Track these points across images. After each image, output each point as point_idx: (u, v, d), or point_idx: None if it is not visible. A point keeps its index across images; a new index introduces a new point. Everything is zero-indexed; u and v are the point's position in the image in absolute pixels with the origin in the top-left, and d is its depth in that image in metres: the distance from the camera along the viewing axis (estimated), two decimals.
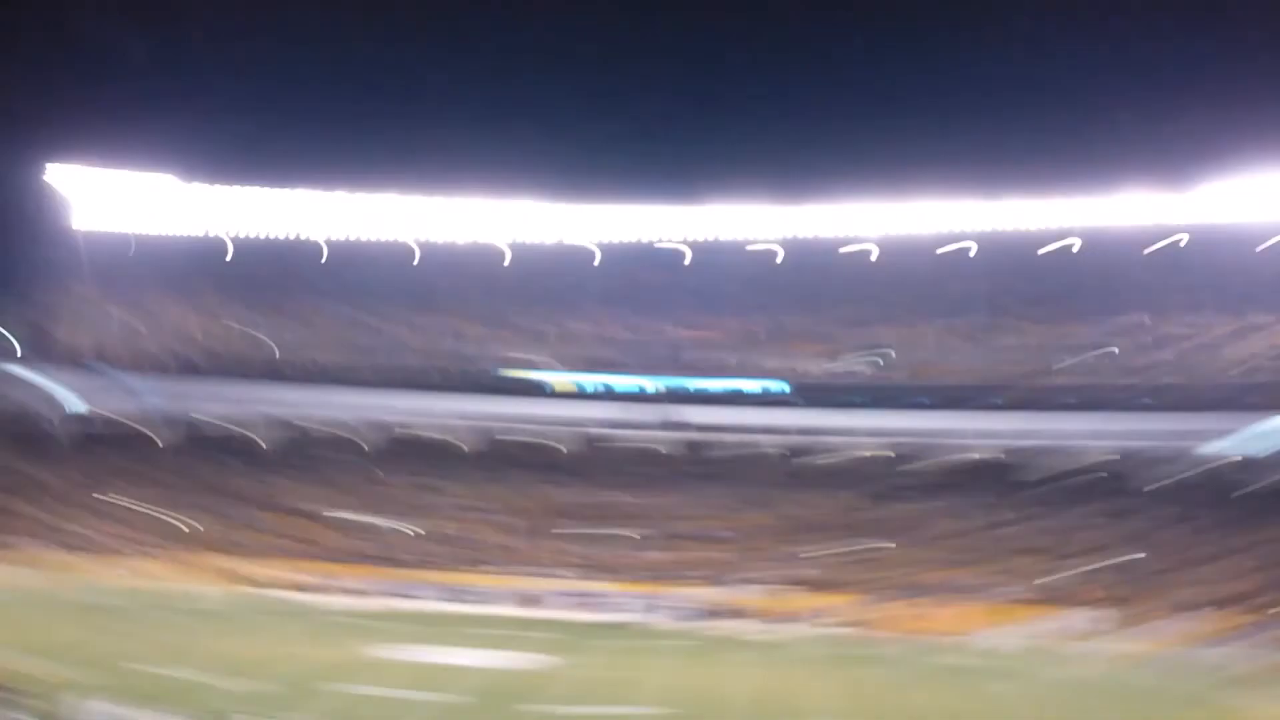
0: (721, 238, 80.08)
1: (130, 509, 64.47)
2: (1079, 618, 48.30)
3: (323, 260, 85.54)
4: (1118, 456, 66.19)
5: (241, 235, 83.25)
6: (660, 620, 46.45)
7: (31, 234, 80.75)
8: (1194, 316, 72.24)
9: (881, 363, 73.67)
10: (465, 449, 73.32)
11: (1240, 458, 62.77)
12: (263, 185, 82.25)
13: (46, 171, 78.55)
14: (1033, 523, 60.46)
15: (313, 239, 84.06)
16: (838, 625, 45.72)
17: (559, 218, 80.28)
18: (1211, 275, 74.42)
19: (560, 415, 74.16)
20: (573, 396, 74.28)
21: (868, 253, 79.84)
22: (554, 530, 61.59)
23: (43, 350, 77.97)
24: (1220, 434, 65.25)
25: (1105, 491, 63.64)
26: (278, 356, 76.48)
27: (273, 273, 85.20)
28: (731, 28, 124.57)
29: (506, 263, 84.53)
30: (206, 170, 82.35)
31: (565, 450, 72.65)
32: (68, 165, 78.94)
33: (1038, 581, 52.58)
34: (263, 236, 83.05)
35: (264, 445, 73.46)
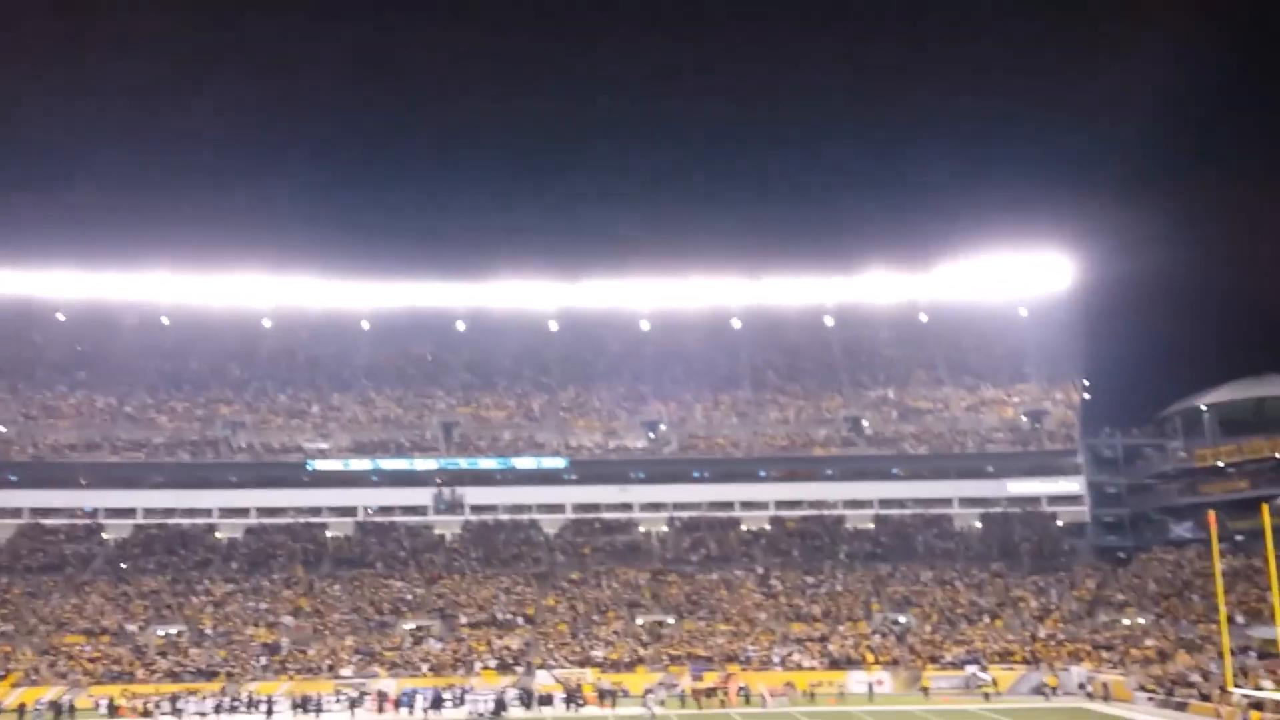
0: (497, 310, 79.52)
1: None
2: (860, 678, 50.39)
3: (62, 338, 78.00)
4: (873, 525, 70.60)
5: None
6: (462, 714, 44.40)
7: None
8: (936, 390, 78.59)
9: (656, 437, 75.13)
10: (224, 541, 68.04)
11: None
12: None
13: None
14: (805, 591, 62.84)
15: (54, 314, 76.36)
16: (650, 704, 45.24)
17: (325, 290, 76.82)
18: (950, 351, 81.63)
19: (328, 501, 70.46)
20: (341, 480, 70.86)
21: (641, 327, 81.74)
22: (328, 625, 57.85)
23: None
24: (963, 501, 71.29)
25: (867, 556, 67.35)
26: (10, 444, 68.56)
27: (7, 352, 76.68)
28: (515, 107, 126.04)
29: (269, 337, 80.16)
30: None
31: (336, 538, 68.84)
32: None
33: (817, 646, 54.51)
34: None
35: None
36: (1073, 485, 70.87)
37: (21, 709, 45.65)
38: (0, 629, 56.25)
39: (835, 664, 53.13)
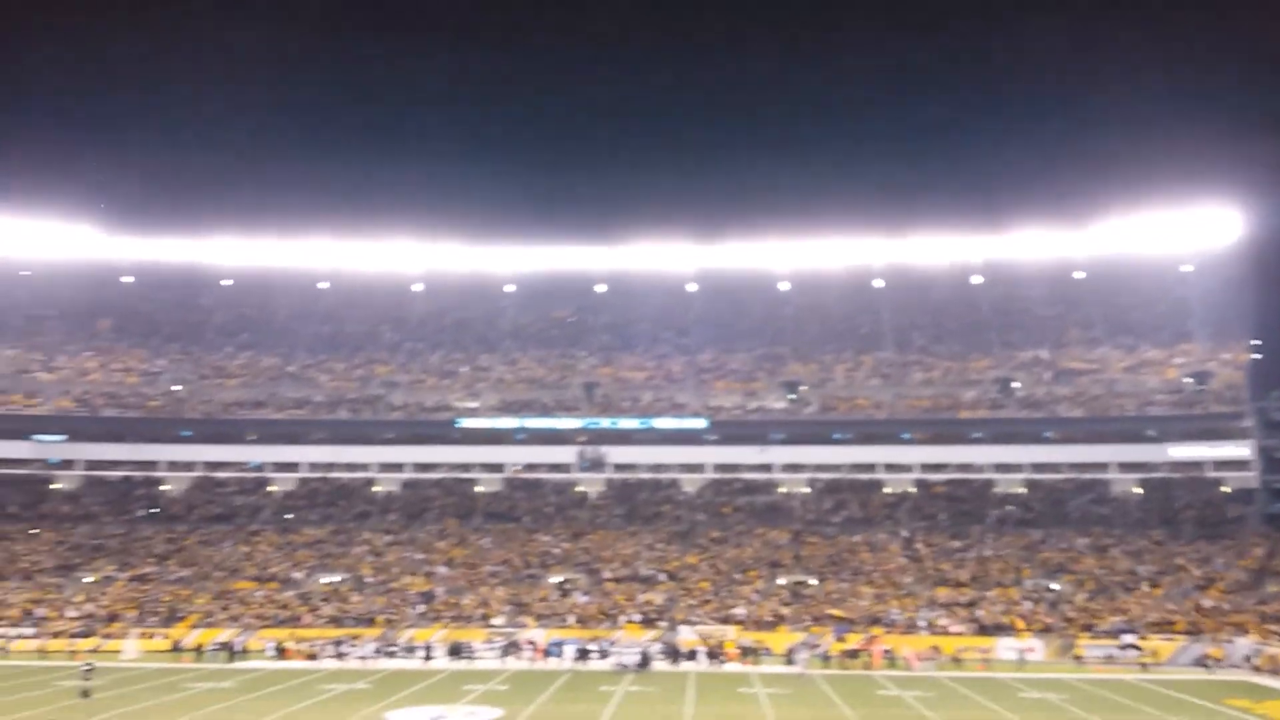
0: (636, 273, 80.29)
1: (55, 575, 60.34)
2: (1010, 645, 49.27)
3: (229, 302, 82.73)
4: (1025, 490, 68.61)
5: (148, 279, 79.91)
6: (608, 665, 45.46)
7: None
8: (1091, 350, 75.50)
9: (796, 398, 74.65)
10: (381, 494, 71.20)
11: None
12: (170, 229, 79.38)
13: None
14: (952, 555, 61.71)
15: (220, 280, 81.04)
16: (799, 661, 45.46)
17: (472, 254, 78.98)
18: (1108, 310, 78.18)
19: (477, 457, 72.82)
20: (489, 438, 73.01)
21: (781, 288, 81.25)
22: (480, 576, 59.96)
23: None
24: (1121, 466, 68.42)
25: (1018, 522, 65.61)
26: (184, 402, 73.17)
27: (178, 316, 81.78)
28: (651, 71, 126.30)
29: (419, 301, 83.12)
30: (115, 217, 79.49)
31: (485, 493, 71.17)
32: None
33: (965, 611, 53.52)
34: (168, 280, 79.90)
35: (173, 496, 70.01)
36: (1240, 450, 66.98)
37: (199, 649, 49.06)
38: (179, 574, 60.35)
39: (984, 630, 52.05)
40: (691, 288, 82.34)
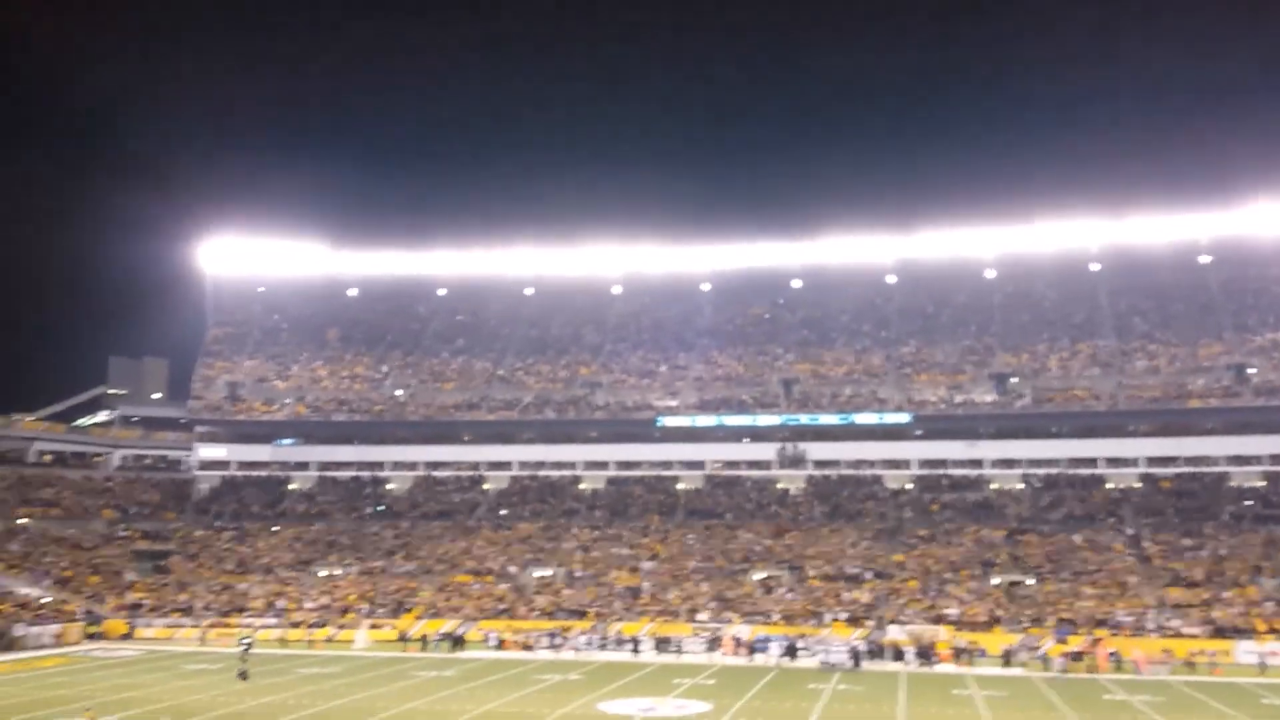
0: (833, 266, 79.17)
1: (292, 568, 65.60)
2: (1249, 648, 45.71)
3: (444, 310, 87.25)
4: (1263, 483, 63.44)
5: (371, 290, 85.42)
6: (815, 663, 45.17)
7: (183, 298, 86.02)
8: None
9: (1007, 391, 71.73)
10: (587, 491, 73.30)
11: None
12: (390, 243, 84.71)
13: (200, 241, 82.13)
14: (1183, 553, 57.80)
15: (436, 290, 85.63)
16: (1009, 664, 43.91)
17: (668, 255, 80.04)
18: None
19: (678, 455, 73.82)
20: (689, 436, 73.83)
21: (986, 275, 78.31)
22: (684, 571, 60.75)
23: (184, 402, 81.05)
24: None
25: (1255, 517, 60.77)
26: (406, 406, 77.65)
27: (399, 325, 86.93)
28: (846, 61, 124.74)
29: (618, 302, 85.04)
30: (341, 234, 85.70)
31: (687, 490, 72.07)
32: (219, 236, 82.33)
33: (1198, 612, 50.03)
34: (389, 291, 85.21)
35: (398, 494, 74.63)
36: None
37: (424, 639, 51.99)
38: (404, 568, 64.06)
39: (1220, 632, 48.49)
40: (890, 279, 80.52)
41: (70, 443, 79.89)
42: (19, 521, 64.32)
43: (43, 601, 54.62)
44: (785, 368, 77.42)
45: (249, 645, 42.42)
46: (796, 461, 72.07)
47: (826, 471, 71.34)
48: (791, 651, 46.06)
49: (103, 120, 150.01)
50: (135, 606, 57.92)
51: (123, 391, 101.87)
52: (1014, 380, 72.13)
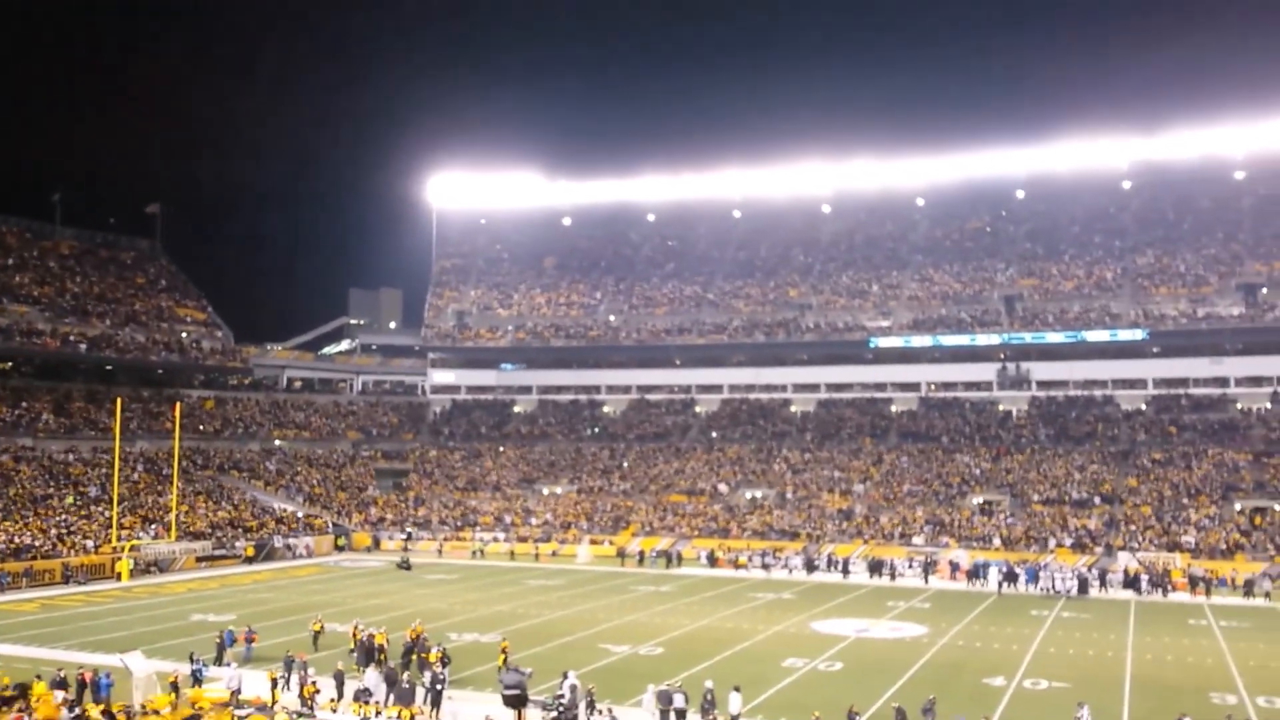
0: (1061, 173, 74.16)
1: (511, 486, 69.51)
2: None
3: (654, 235, 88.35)
4: None
5: (584, 219, 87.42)
6: (1039, 590, 43.83)
7: (414, 232, 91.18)
8: None
9: (1254, 302, 65.90)
10: (797, 414, 73.20)
11: None
12: (601, 172, 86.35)
13: (427, 177, 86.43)
14: None
15: (646, 215, 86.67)
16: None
17: (880, 170, 77.37)
18: None
19: (891, 377, 72.43)
20: (903, 357, 72.14)
21: (1235, 177, 71.65)
22: (898, 495, 59.99)
23: (417, 330, 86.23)
24: None
25: None
26: (619, 331, 79.62)
27: (611, 251, 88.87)
28: None
29: (828, 221, 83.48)
30: (556, 164, 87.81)
31: (900, 412, 70.74)
32: (444, 171, 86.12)
33: None
34: (602, 218, 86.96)
35: (613, 417, 77.15)
36: None
37: (641, 555, 53.92)
38: (621, 487, 66.34)
39: None
40: (1126, 185, 74.96)
41: (317, 370, 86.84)
42: (275, 443, 70.71)
43: (297, 516, 60.16)
44: (1007, 283, 73.98)
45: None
46: (1019, 382, 69.21)
47: (1052, 392, 68.18)
48: (1012, 577, 44.81)
49: (346, 69, 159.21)
50: (378, 521, 62.92)
51: (362, 321, 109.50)
52: (1264, 291, 66.11)
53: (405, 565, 42.06)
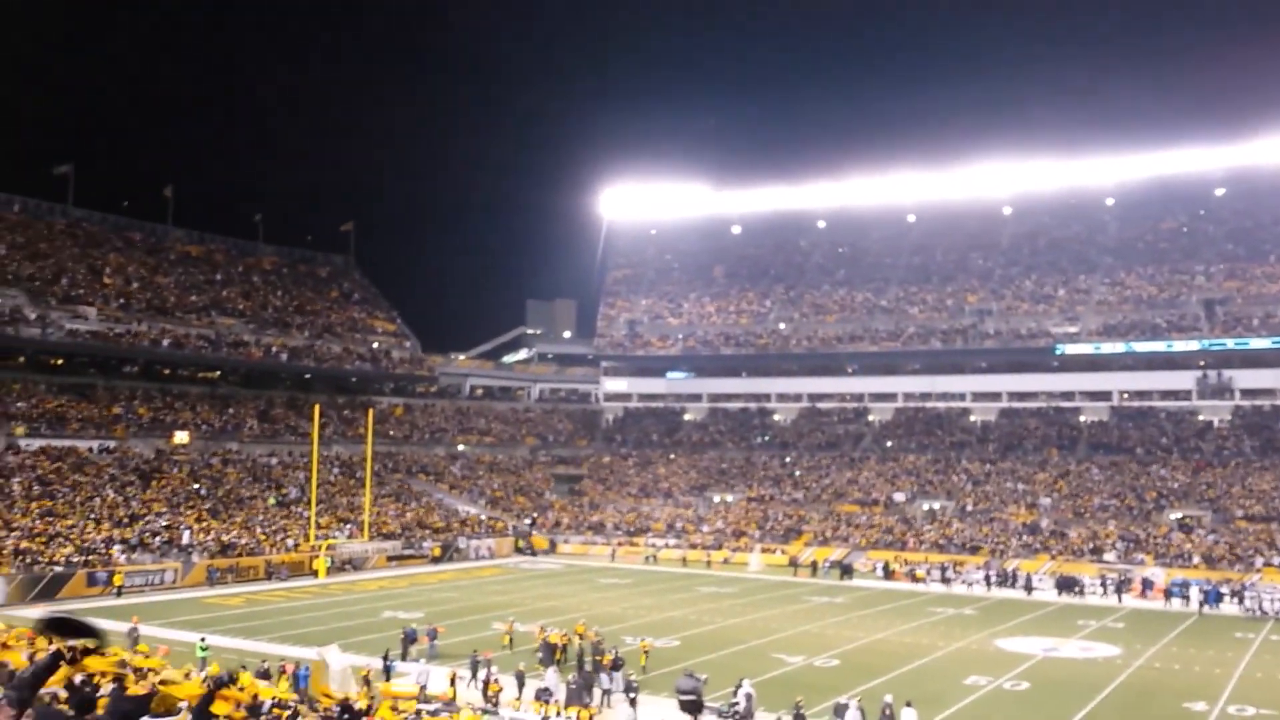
0: (1271, 169, 69.07)
1: (679, 495, 70.22)
2: None
3: (824, 242, 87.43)
4: None
5: (752, 227, 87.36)
6: (1243, 611, 41.01)
7: (586, 243, 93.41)
8: None
9: None
10: (977, 424, 70.84)
11: None
12: (769, 179, 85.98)
13: (599, 190, 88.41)
14: None
15: (816, 222, 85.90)
16: None
17: (1064, 170, 74.07)
18: None
19: (1079, 385, 69.16)
20: (1092, 364, 68.77)
21: None
22: (1087, 509, 57.22)
23: (590, 339, 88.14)
24: None
25: None
26: (789, 339, 79.15)
27: (780, 259, 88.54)
28: None
29: (1008, 224, 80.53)
30: (723, 173, 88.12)
31: (1090, 423, 67.44)
32: (615, 183, 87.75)
33: None
34: (770, 226, 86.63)
35: (784, 425, 76.73)
36: None
37: (814, 565, 53.32)
38: (793, 496, 65.82)
39: None
40: None
41: (497, 378, 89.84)
42: (459, 448, 73.57)
43: (480, 519, 62.40)
44: (1206, 286, 69.53)
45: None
46: (1220, 391, 64.90)
47: (1258, 402, 63.62)
48: (1216, 597, 42.03)
49: (525, 85, 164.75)
50: (555, 524, 64.58)
51: (538, 331, 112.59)
52: None
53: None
